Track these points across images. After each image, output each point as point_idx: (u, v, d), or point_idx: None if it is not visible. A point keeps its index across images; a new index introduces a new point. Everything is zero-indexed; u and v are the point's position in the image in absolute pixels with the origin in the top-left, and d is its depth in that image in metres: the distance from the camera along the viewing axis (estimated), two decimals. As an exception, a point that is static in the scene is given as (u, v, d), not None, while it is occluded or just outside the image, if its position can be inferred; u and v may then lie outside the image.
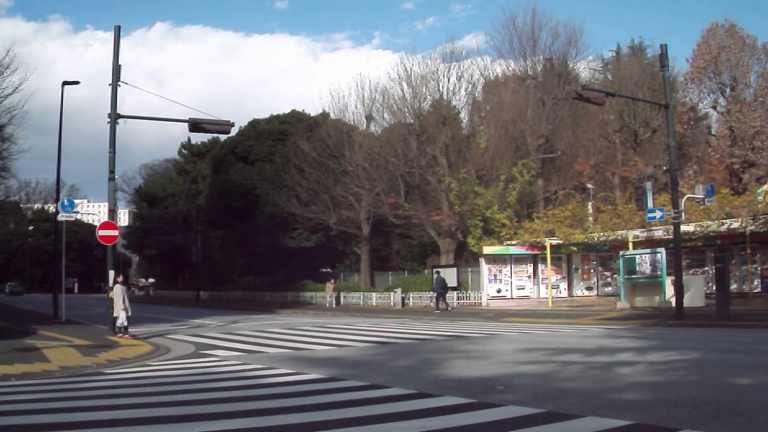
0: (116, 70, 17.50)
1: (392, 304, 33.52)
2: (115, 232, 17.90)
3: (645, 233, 26.09)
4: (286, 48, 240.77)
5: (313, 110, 47.98)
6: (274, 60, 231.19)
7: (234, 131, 26.45)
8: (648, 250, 24.46)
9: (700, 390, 7.54)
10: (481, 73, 37.27)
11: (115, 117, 17.47)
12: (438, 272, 29.91)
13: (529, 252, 30.24)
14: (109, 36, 18.12)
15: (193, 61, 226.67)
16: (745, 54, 39.41)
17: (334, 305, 35.60)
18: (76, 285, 75.08)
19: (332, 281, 38.90)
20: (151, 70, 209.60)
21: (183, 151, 66.03)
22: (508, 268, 30.45)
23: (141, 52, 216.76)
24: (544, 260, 29.41)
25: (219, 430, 6.00)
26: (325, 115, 42.71)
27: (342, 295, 38.57)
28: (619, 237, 27.12)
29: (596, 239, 28.38)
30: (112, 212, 18.21)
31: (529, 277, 30.65)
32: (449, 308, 28.27)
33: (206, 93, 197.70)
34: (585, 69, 41.20)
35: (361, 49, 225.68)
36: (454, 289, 31.56)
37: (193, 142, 64.48)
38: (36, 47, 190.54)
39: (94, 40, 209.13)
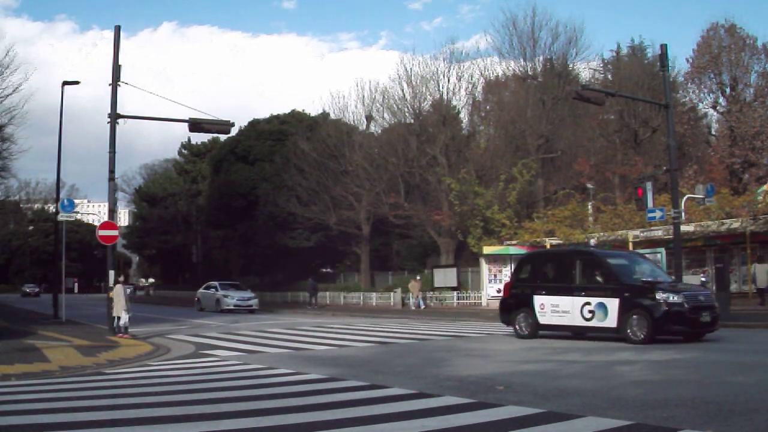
0: (116, 70, 17.51)
1: (392, 304, 33.50)
2: (115, 232, 17.91)
3: (645, 233, 26.04)
4: (293, 48, 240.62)
5: (313, 110, 48.05)
6: (280, 60, 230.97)
7: (234, 131, 26.49)
8: (648, 250, 24.41)
9: (699, 390, 7.55)
10: (482, 73, 37.32)
11: (114, 117, 17.48)
12: (311, 278, 36.97)
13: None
14: (115, 36, 18.11)
15: (200, 61, 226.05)
16: (745, 54, 39.36)
17: (422, 306, 30.51)
18: (76, 285, 75.02)
19: (418, 278, 32.37)
20: (158, 70, 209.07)
21: (183, 151, 66.04)
22: (508, 268, 30.41)
23: (147, 52, 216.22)
24: (544, 260, 29.34)
25: (219, 430, 6.00)
26: (325, 115, 42.75)
27: (342, 295, 38.55)
28: (619, 237, 27.08)
29: (596, 239, 28.34)
30: (112, 212, 18.24)
31: (530, 277, 30.57)
32: (313, 307, 34.10)
33: (213, 93, 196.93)
34: (585, 69, 41.07)
35: (368, 49, 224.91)
36: (454, 289, 31.54)
37: (193, 142, 64.54)
38: (42, 47, 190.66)
39: (100, 40, 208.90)
